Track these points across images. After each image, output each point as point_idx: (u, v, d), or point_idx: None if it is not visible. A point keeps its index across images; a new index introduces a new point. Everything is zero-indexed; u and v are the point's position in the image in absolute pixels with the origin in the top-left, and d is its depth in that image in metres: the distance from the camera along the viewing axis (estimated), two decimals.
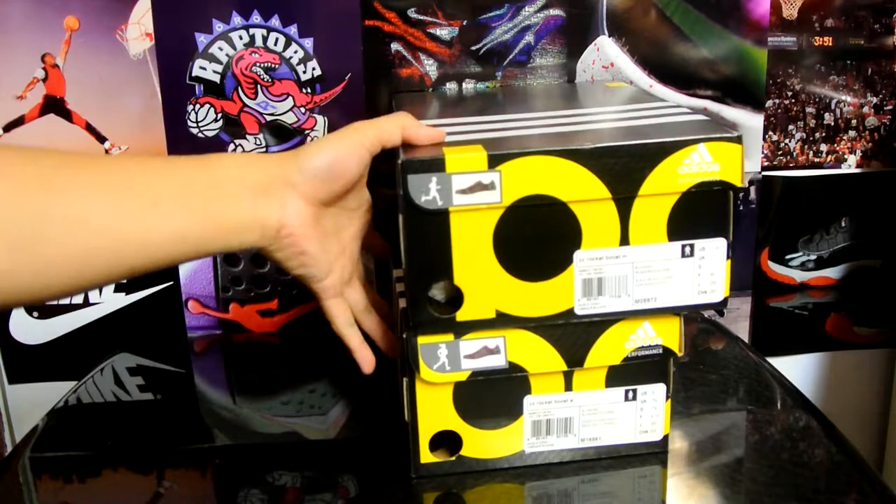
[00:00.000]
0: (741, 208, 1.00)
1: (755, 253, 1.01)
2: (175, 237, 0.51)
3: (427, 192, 0.52)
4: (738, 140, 0.54)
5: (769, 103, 0.97)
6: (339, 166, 0.56)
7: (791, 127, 0.98)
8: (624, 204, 0.54)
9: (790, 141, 0.98)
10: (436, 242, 0.54)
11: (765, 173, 0.99)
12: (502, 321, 0.57)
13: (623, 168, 0.53)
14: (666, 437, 0.65)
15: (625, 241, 0.55)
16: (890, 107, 0.97)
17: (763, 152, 0.98)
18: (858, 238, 1.01)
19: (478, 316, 0.56)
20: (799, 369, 1.05)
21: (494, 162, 0.52)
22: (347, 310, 0.64)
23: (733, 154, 0.53)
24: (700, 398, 0.76)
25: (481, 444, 0.63)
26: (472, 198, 0.53)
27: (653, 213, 0.55)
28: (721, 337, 0.90)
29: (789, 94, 0.96)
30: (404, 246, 0.54)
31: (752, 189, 0.99)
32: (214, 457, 0.71)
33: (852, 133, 0.98)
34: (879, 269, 1.02)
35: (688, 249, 0.56)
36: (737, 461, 0.65)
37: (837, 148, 0.98)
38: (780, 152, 0.98)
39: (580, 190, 0.53)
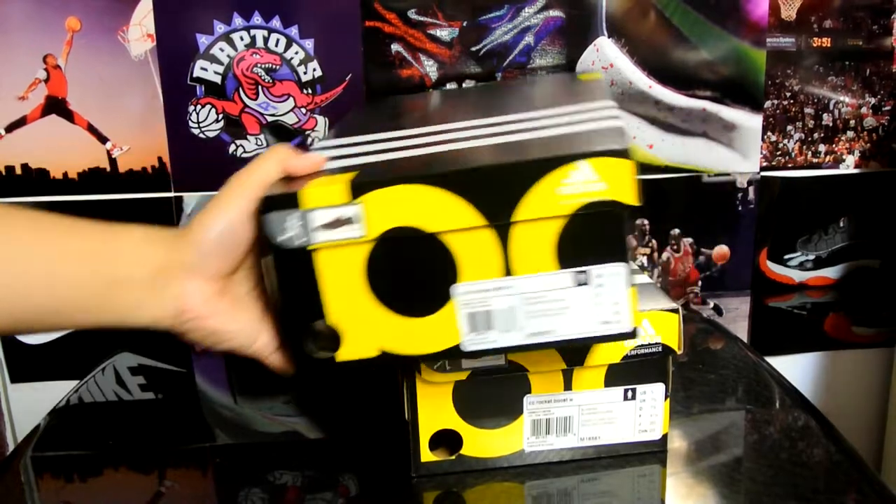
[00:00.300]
0: (740, 209, 1.00)
1: (754, 253, 1.01)
2: (77, 297, 0.49)
3: (285, 230, 0.48)
4: (626, 154, 0.46)
5: (768, 104, 0.96)
6: (232, 237, 0.51)
7: (789, 127, 0.98)
8: (502, 231, 0.48)
9: (789, 141, 0.98)
10: (304, 281, 0.50)
11: (763, 174, 0.99)
12: (386, 359, 0.52)
13: (495, 192, 0.47)
14: (665, 437, 0.65)
15: (509, 270, 0.49)
16: (888, 107, 0.97)
17: (762, 153, 0.98)
18: (857, 238, 1.00)
19: (359, 355, 0.52)
20: (797, 369, 1.05)
21: (356, 193, 0.48)
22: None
23: (622, 170, 0.46)
24: (699, 398, 0.76)
25: (481, 443, 0.63)
26: (334, 233, 0.48)
27: (537, 239, 0.48)
28: (720, 336, 0.90)
29: (788, 94, 0.96)
30: (277, 286, 0.51)
31: (751, 189, 0.99)
32: (215, 456, 0.71)
33: (850, 133, 0.98)
34: (878, 269, 1.02)
35: (582, 277, 0.49)
36: (735, 460, 0.65)
37: (836, 148, 0.98)
38: (778, 153, 0.98)
39: (450, 219, 0.48)
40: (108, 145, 0.93)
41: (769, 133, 0.98)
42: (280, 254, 0.49)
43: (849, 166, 0.99)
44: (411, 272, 0.50)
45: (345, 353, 0.52)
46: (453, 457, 0.63)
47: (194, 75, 0.92)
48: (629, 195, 0.47)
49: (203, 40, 0.90)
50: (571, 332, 0.50)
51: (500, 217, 0.48)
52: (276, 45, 0.91)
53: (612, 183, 0.47)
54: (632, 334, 0.50)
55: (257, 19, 0.90)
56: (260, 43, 0.90)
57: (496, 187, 0.47)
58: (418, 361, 0.53)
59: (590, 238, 0.48)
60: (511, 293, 0.49)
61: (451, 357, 0.52)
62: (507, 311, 0.49)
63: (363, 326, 0.51)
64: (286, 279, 0.50)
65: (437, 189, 0.47)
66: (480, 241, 0.49)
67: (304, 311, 0.51)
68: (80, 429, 0.78)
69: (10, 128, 0.93)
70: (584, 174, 0.46)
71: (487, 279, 0.49)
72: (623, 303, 0.48)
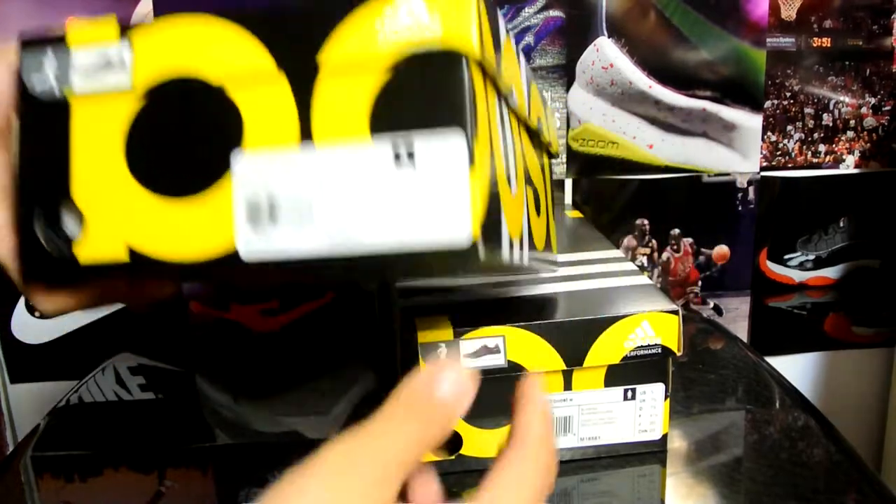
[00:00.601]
0: (740, 208, 1.00)
1: (754, 253, 1.01)
2: None
3: (42, 73, 0.39)
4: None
5: (768, 104, 0.96)
6: None
7: (790, 127, 0.97)
8: (302, 82, 0.36)
9: (789, 141, 0.98)
10: (51, 144, 0.39)
11: (763, 174, 0.99)
12: (138, 265, 0.37)
13: (295, 30, 0.37)
14: (665, 437, 0.65)
15: (308, 135, 0.35)
16: (888, 107, 0.96)
17: (762, 153, 0.98)
18: (857, 238, 1.00)
19: (104, 254, 0.38)
20: (797, 369, 1.05)
21: (127, 29, 0.38)
22: None
23: (461, 7, 0.34)
24: (699, 398, 0.76)
25: (481, 443, 0.62)
26: (96, 81, 0.38)
27: (346, 97, 0.36)
28: (720, 336, 0.90)
29: (788, 94, 0.96)
30: (17, 150, 0.39)
31: (751, 189, 0.98)
32: (216, 456, 0.71)
33: (850, 133, 0.98)
34: (878, 269, 1.02)
35: (401, 146, 0.35)
36: (735, 460, 0.65)
37: (836, 148, 0.98)
38: (778, 153, 0.98)
39: (238, 65, 0.37)
40: None
41: (769, 133, 0.97)
42: (30, 106, 0.39)
43: (849, 166, 0.98)
44: (182, 141, 0.37)
45: (87, 250, 0.38)
46: (453, 457, 0.63)
47: None
48: (468, 41, 0.34)
49: None
50: (386, 238, 0.34)
51: (299, 64, 0.36)
52: None
53: (448, 25, 0.34)
54: (472, 250, 0.33)
55: None
56: None
57: (296, 25, 0.36)
58: (181, 273, 0.37)
59: (415, 97, 0.35)
60: (305, 169, 0.35)
61: (228, 271, 0.36)
62: (300, 196, 0.35)
63: (114, 213, 0.38)
64: (29, 140, 0.39)
65: (227, 26, 0.37)
66: (274, 96, 0.36)
67: (46, 185, 0.39)
68: (81, 429, 0.78)
69: None
70: (409, 10, 0.34)
71: (279, 146, 0.35)
72: (459, 194, 0.33)
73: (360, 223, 0.34)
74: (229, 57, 0.36)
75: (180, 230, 0.36)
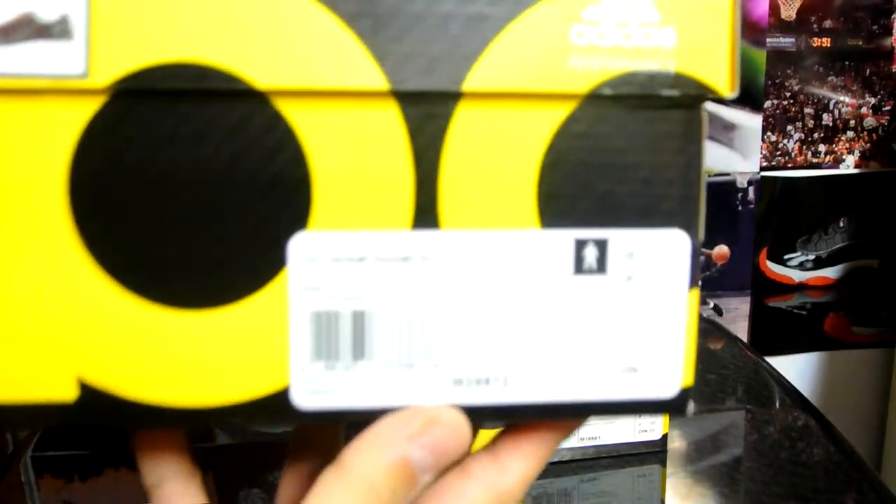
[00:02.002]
0: (740, 208, 1.00)
1: (754, 253, 1.00)
2: None
3: None
4: None
5: (768, 104, 0.96)
6: None
7: (789, 127, 0.97)
8: (429, 117, 0.21)
9: (789, 141, 0.97)
10: None
11: (763, 173, 0.98)
12: (100, 411, 0.21)
13: None
14: (665, 437, 0.64)
15: (428, 212, 0.21)
16: (888, 107, 0.96)
17: (762, 153, 0.98)
18: (856, 238, 1.00)
19: (33, 394, 0.21)
20: (797, 369, 1.04)
21: None
22: None
23: (715, 20, 0.21)
24: (699, 397, 0.75)
25: (481, 442, 0.62)
26: (14, 63, 0.20)
27: (504, 147, 0.21)
28: (720, 336, 0.90)
29: (788, 94, 0.96)
30: None
31: (751, 189, 0.98)
32: (216, 456, 0.70)
33: (850, 133, 0.97)
34: (877, 269, 1.02)
35: (590, 253, 0.22)
36: (735, 460, 0.65)
37: (836, 148, 0.98)
38: (778, 153, 0.98)
39: (303, 69, 0.20)
40: None
41: (769, 133, 0.97)
42: None
43: (849, 166, 0.98)
44: (183, 197, 0.20)
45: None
46: None
47: None
48: (717, 73, 0.21)
49: None
50: (564, 393, 0.22)
51: (427, 89, 0.20)
52: None
53: (690, 43, 0.21)
54: (677, 402, 0.22)
55: None
56: None
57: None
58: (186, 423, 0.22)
59: (617, 163, 0.21)
60: (422, 270, 0.21)
61: (267, 416, 0.22)
62: (411, 313, 0.21)
63: (56, 320, 0.21)
64: None
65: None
66: (375, 137, 0.20)
67: None
68: (81, 428, 0.78)
69: None
70: (627, 10, 0.21)
71: (376, 226, 0.21)
72: (673, 324, 0.22)
73: (509, 360, 0.21)
74: (292, 51, 0.20)
75: (184, 356, 0.21)
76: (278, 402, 0.21)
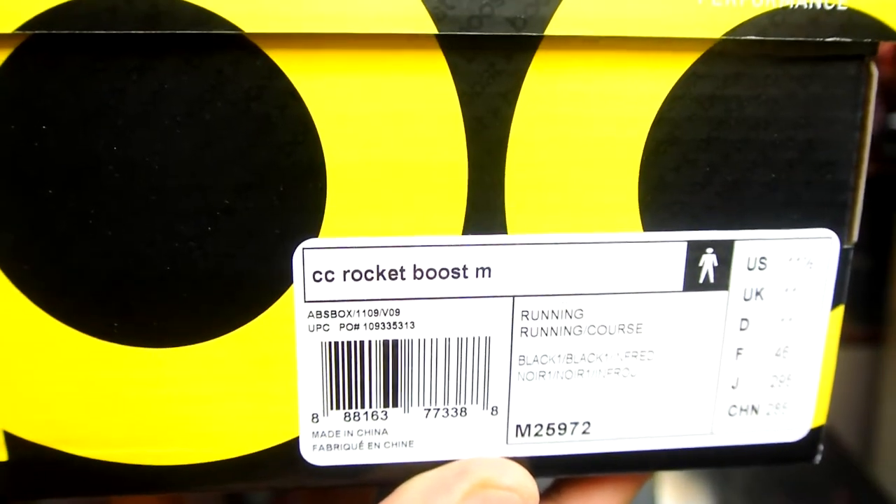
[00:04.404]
0: None
1: None
2: None
3: None
4: None
5: None
6: None
7: None
8: (504, 72, 0.13)
9: None
10: None
11: None
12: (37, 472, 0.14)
13: None
14: None
15: (494, 210, 0.13)
16: (878, 111, 0.92)
17: None
18: None
19: None
20: None
21: None
22: None
23: None
24: None
25: None
26: None
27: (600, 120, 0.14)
28: None
29: None
30: None
31: None
32: None
33: None
34: (868, 269, 0.98)
35: (708, 261, 0.14)
36: None
37: None
38: None
39: None
40: None
41: None
42: None
43: None
44: (132, 189, 0.12)
45: None
46: None
47: None
48: None
49: None
50: (662, 440, 0.15)
51: (488, 45, 0.13)
52: None
53: None
54: (805, 448, 0.15)
55: None
56: None
57: None
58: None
59: (761, 136, 0.13)
60: (481, 288, 0.13)
61: (264, 475, 0.14)
62: (459, 351, 0.14)
63: None
64: None
65: None
66: (410, 94, 0.13)
67: None
68: None
69: None
70: None
71: (417, 230, 0.13)
72: (810, 365, 0.15)
73: (594, 401, 0.14)
74: None
75: (156, 409, 0.14)
76: (286, 457, 0.14)
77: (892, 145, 0.93)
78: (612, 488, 0.15)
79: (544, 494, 0.16)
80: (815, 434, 0.15)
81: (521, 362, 0.14)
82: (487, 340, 0.13)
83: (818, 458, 0.15)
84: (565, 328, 0.13)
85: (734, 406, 0.14)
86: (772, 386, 0.14)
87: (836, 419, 0.79)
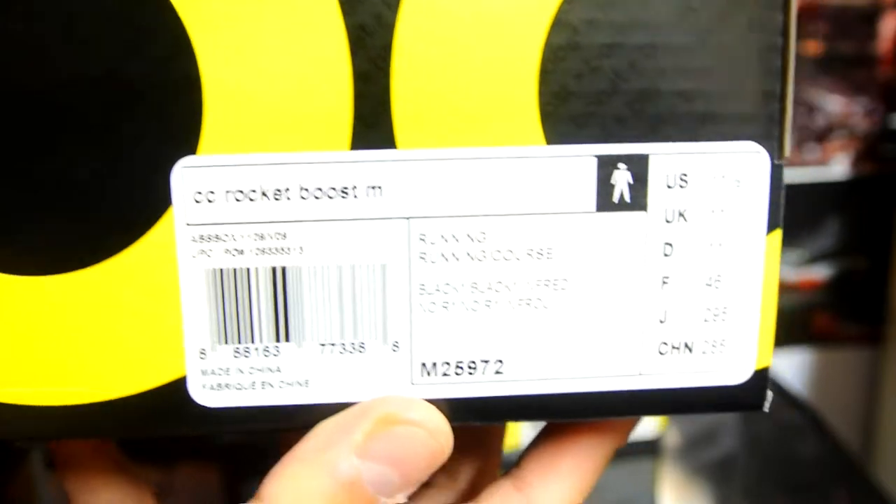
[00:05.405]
0: None
1: None
2: None
3: None
4: None
5: None
6: None
7: None
8: None
9: None
10: None
11: None
12: None
13: None
14: (660, 433, 0.60)
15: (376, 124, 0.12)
16: (877, 111, 0.93)
17: None
18: (846, 239, 0.96)
19: None
20: (788, 366, 1.00)
21: None
22: None
23: None
24: None
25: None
26: None
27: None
28: None
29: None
30: None
31: None
32: (217, 455, 0.65)
33: (841, 136, 0.94)
34: (866, 269, 0.99)
35: (620, 177, 0.13)
36: (728, 456, 0.62)
37: (826, 151, 0.94)
38: None
39: None
40: None
41: None
42: None
43: (839, 169, 0.95)
44: (37, 119, 0.12)
45: None
46: None
47: None
48: None
49: None
50: (585, 382, 0.13)
51: None
52: None
53: None
54: (751, 393, 0.14)
55: None
56: None
57: None
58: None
59: (668, 40, 0.12)
60: (373, 209, 0.12)
61: (154, 420, 0.12)
62: (354, 279, 0.12)
63: None
64: None
65: None
66: (293, 16, 0.12)
67: None
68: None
69: None
70: None
71: (299, 145, 0.12)
72: (747, 296, 0.13)
73: (504, 336, 0.13)
74: None
75: (31, 342, 0.12)
76: (171, 398, 0.12)
77: (892, 145, 0.93)
78: (576, 451, 0.14)
79: (506, 474, 0.14)
80: (760, 377, 0.14)
81: (422, 292, 0.12)
82: (383, 267, 0.12)
83: (767, 405, 0.14)
84: (467, 253, 0.12)
85: (664, 343, 0.13)
86: (706, 320, 0.13)
87: (836, 419, 0.79)
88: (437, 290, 0.12)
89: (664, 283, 0.12)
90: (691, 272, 0.12)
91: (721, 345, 0.13)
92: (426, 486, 0.19)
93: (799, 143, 0.93)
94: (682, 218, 0.12)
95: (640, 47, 0.12)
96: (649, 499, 0.56)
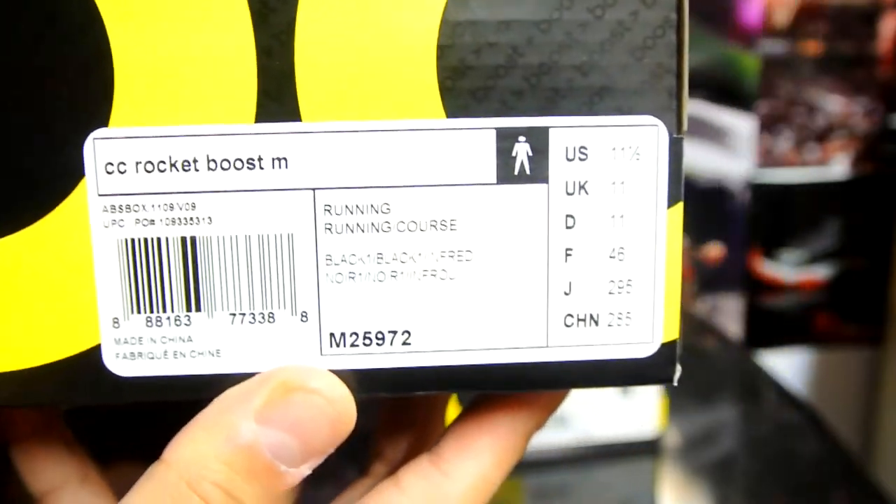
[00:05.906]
0: (732, 210, 0.95)
1: (746, 253, 0.96)
2: None
3: None
4: None
5: (760, 107, 0.92)
6: None
7: (782, 130, 0.93)
8: None
9: (780, 143, 0.93)
10: None
11: (755, 176, 0.94)
12: None
13: None
14: (659, 433, 0.60)
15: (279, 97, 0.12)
16: (878, 111, 0.92)
17: (754, 155, 0.94)
18: (847, 239, 0.96)
19: None
20: (788, 366, 1.00)
21: None
22: None
23: None
24: (692, 394, 0.71)
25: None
26: None
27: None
28: (713, 335, 0.87)
29: (780, 98, 0.92)
30: None
31: (744, 191, 0.94)
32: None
33: (841, 137, 0.93)
34: (867, 269, 0.98)
35: (513, 148, 0.13)
36: (728, 455, 0.60)
37: (827, 151, 0.93)
38: (770, 155, 0.94)
39: None
40: None
41: (761, 135, 0.94)
42: None
43: (840, 169, 0.94)
44: None
45: None
46: None
47: None
48: None
49: None
50: (490, 353, 0.13)
51: None
52: None
53: None
54: (658, 366, 0.13)
55: None
56: None
57: None
58: None
59: (564, 15, 0.12)
60: (280, 180, 0.12)
61: (68, 389, 0.13)
62: (262, 249, 0.12)
63: None
64: None
65: None
66: None
67: None
68: (85, 426, 0.72)
69: None
70: None
71: (206, 117, 0.12)
72: (648, 268, 0.13)
73: (410, 306, 0.13)
74: None
75: None
76: (86, 368, 0.12)
77: (892, 145, 0.92)
78: (491, 429, 0.14)
79: (426, 452, 0.14)
80: (668, 350, 0.13)
81: (329, 262, 0.12)
82: (290, 237, 0.12)
83: (676, 378, 0.14)
84: (372, 224, 0.12)
85: (569, 315, 0.13)
86: (610, 293, 0.13)
87: (836, 419, 0.78)
88: (344, 261, 0.12)
89: (568, 254, 0.13)
90: (594, 244, 0.13)
91: (627, 317, 0.13)
92: (364, 475, 0.20)
93: (799, 143, 0.92)
94: (583, 190, 0.12)
95: (537, 23, 0.12)
96: (649, 499, 0.55)
